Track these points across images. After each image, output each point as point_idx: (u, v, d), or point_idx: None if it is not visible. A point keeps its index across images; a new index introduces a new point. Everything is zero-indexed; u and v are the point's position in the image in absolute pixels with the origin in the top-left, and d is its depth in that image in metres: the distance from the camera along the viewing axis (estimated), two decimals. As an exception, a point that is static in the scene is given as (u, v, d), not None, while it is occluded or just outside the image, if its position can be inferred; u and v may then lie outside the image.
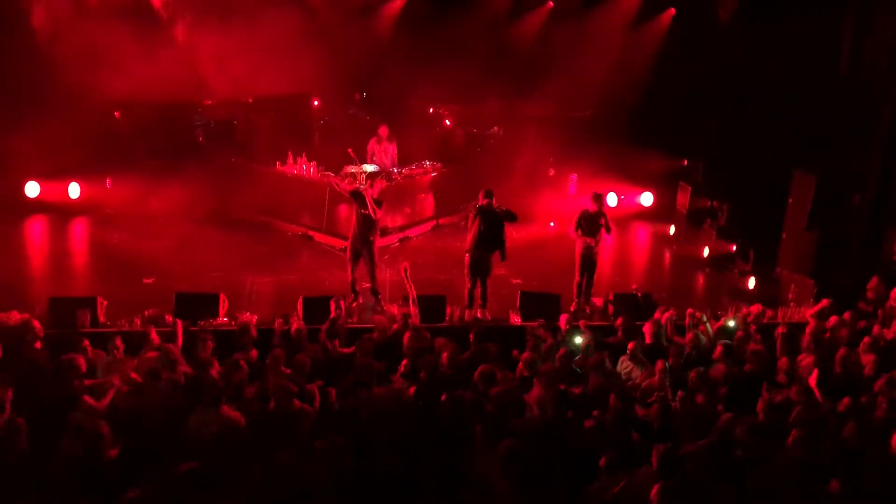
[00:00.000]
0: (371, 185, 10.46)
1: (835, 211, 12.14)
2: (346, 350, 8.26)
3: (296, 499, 5.25)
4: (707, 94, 15.06)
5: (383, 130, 14.03)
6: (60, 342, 8.11)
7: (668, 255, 14.26)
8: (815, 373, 7.59)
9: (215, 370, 7.14)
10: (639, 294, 10.34)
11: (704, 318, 8.99)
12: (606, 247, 11.77)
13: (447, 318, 9.88)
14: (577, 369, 7.86)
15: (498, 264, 10.39)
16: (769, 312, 10.21)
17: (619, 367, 8.16)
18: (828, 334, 8.88)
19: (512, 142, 16.21)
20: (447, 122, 17.28)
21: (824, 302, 9.60)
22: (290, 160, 14.06)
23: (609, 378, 7.59)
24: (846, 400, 6.95)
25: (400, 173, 14.00)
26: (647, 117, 15.23)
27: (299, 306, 9.55)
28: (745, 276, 12.37)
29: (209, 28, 14.29)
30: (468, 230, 10.14)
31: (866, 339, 8.46)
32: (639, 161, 15.53)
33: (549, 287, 10.70)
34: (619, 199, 15.66)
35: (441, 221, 14.32)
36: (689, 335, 8.63)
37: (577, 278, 10.74)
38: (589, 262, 10.67)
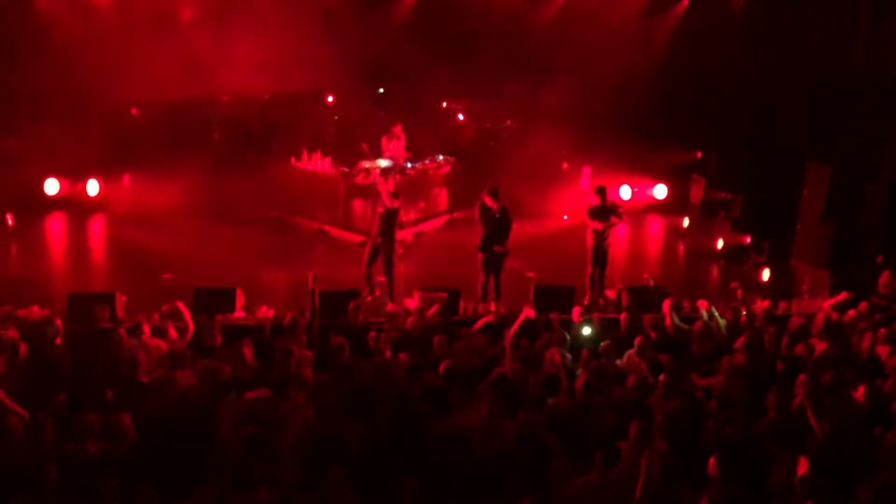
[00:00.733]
0: (386, 181, 10.55)
1: (850, 203, 12.10)
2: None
3: None
4: (721, 86, 15.00)
5: (396, 128, 14.13)
6: (81, 338, 8.29)
7: (681, 248, 14.25)
8: None
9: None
10: (651, 284, 10.31)
11: (714, 311, 8.98)
12: (620, 239, 11.81)
13: (461, 312, 9.94)
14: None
15: (511, 258, 10.46)
16: (783, 304, 10.20)
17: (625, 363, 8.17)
18: (844, 326, 8.86)
19: (525, 136, 16.23)
20: (460, 117, 17.31)
21: (843, 295, 9.57)
22: (305, 156, 14.18)
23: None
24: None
25: (413, 168, 14.06)
26: (661, 109, 15.18)
27: (316, 301, 9.62)
28: (760, 268, 12.35)
29: (224, 25, 14.40)
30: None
31: (882, 331, 8.45)
32: (652, 153, 15.49)
33: (562, 280, 10.73)
34: (632, 192, 15.64)
35: (455, 215, 14.37)
36: (698, 325, 8.64)
37: (589, 270, 10.78)
38: (601, 255, 10.72)
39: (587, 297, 10.61)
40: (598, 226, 10.55)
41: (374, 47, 14.90)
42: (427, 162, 14.49)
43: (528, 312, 8.27)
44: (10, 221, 12.83)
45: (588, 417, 6.34)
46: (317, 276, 8.91)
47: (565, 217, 14.57)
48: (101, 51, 13.18)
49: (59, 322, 8.07)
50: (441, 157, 14.79)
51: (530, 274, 11.61)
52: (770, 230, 12.83)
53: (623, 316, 9.10)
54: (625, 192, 15.37)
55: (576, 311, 9.09)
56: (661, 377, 7.15)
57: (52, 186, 13.95)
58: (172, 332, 7.98)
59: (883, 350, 8.08)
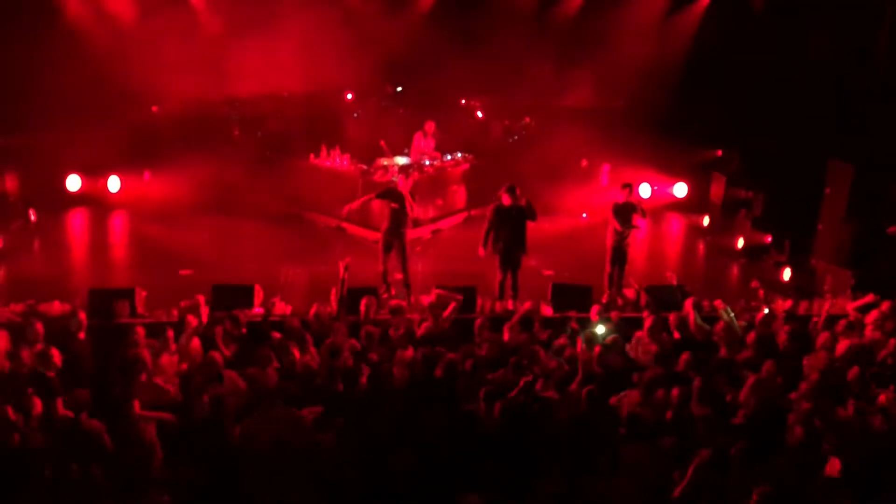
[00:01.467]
0: (406, 178, 10.56)
1: (873, 201, 11.94)
2: None
3: None
4: (742, 83, 14.86)
5: (429, 126, 14.12)
6: (102, 332, 8.38)
7: (701, 247, 14.15)
8: None
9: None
10: (674, 282, 10.21)
11: (730, 312, 8.91)
12: (639, 238, 11.73)
13: (478, 310, 9.92)
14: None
15: (529, 256, 10.44)
16: (804, 304, 10.08)
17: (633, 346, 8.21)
18: (870, 326, 8.75)
19: (544, 133, 16.17)
20: (479, 114, 17.27)
21: (869, 297, 9.45)
22: (324, 153, 14.21)
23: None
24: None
25: (432, 165, 14.06)
26: (681, 106, 15.06)
27: (332, 297, 9.65)
28: (780, 267, 12.23)
29: (244, 22, 14.46)
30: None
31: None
32: (672, 151, 15.37)
33: (580, 278, 10.69)
34: (652, 190, 15.53)
35: (473, 213, 14.34)
36: (720, 325, 8.58)
37: (608, 269, 10.74)
38: (620, 253, 10.67)
39: (605, 295, 10.56)
40: (618, 226, 10.50)
41: (393, 44, 14.89)
42: (446, 159, 14.47)
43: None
44: (32, 217, 12.96)
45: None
46: (349, 265, 8.94)
47: (584, 215, 14.51)
48: (122, 49, 13.29)
49: (82, 316, 8.15)
50: (459, 155, 14.76)
51: (548, 272, 11.58)
52: (791, 229, 12.70)
53: (645, 314, 9.05)
54: (644, 190, 15.26)
55: (594, 310, 9.06)
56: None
57: (73, 183, 14.08)
58: (192, 320, 8.04)
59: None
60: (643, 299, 10.26)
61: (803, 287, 11.22)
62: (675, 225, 15.21)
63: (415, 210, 10.48)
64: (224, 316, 8.36)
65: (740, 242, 13.39)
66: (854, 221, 11.80)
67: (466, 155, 14.86)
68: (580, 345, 7.71)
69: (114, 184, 14.27)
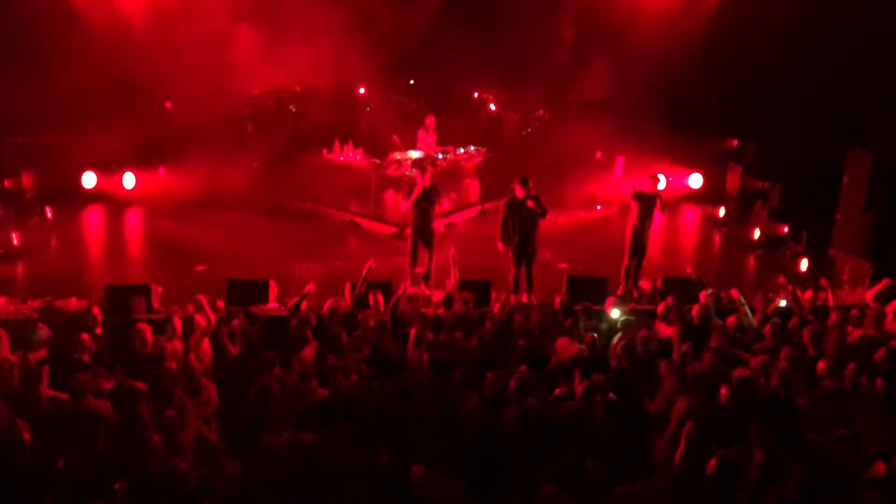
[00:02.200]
0: (423, 175, 10.54)
1: (892, 190, 11.80)
2: None
3: None
4: (758, 73, 14.71)
5: (430, 121, 14.10)
6: (119, 328, 8.41)
7: (717, 238, 14.05)
8: None
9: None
10: (693, 277, 10.12)
11: (742, 300, 8.82)
12: (655, 230, 11.65)
13: (493, 303, 9.88)
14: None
15: (544, 249, 10.39)
16: (821, 295, 9.97)
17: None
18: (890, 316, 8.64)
19: (558, 125, 16.10)
20: (492, 107, 17.22)
21: (884, 282, 9.34)
22: (337, 147, 14.22)
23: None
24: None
25: (445, 159, 14.03)
26: (697, 97, 14.95)
27: (346, 292, 9.66)
28: (798, 258, 12.12)
29: (257, 18, 14.49)
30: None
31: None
32: (687, 142, 15.26)
33: (594, 271, 10.63)
34: (667, 181, 15.40)
35: (486, 206, 14.30)
36: (733, 317, 8.51)
37: (626, 262, 10.68)
38: (639, 246, 10.62)
39: (621, 287, 10.51)
40: (636, 219, 10.46)
41: (406, 37, 14.88)
42: (459, 153, 14.43)
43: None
44: (49, 214, 13.06)
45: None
46: (372, 267, 8.96)
47: (598, 207, 14.43)
48: (136, 47, 13.35)
49: (97, 311, 8.19)
50: (473, 148, 14.72)
51: (562, 265, 11.53)
52: (808, 219, 12.57)
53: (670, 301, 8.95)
54: (660, 182, 15.14)
55: (609, 302, 9.01)
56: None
57: (89, 180, 14.17)
58: (201, 321, 8.02)
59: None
60: (659, 290, 10.21)
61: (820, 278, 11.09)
62: (691, 216, 15.12)
63: (444, 205, 10.47)
64: (238, 311, 8.37)
65: (757, 233, 13.28)
66: (873, 211, 11.66)
67: (480, 148, 14.82)
68: (590, 336, 7.70)
69: (129, 180, 14.35)
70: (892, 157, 11.76)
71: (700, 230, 14.71)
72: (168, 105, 15.33)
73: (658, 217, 10.61)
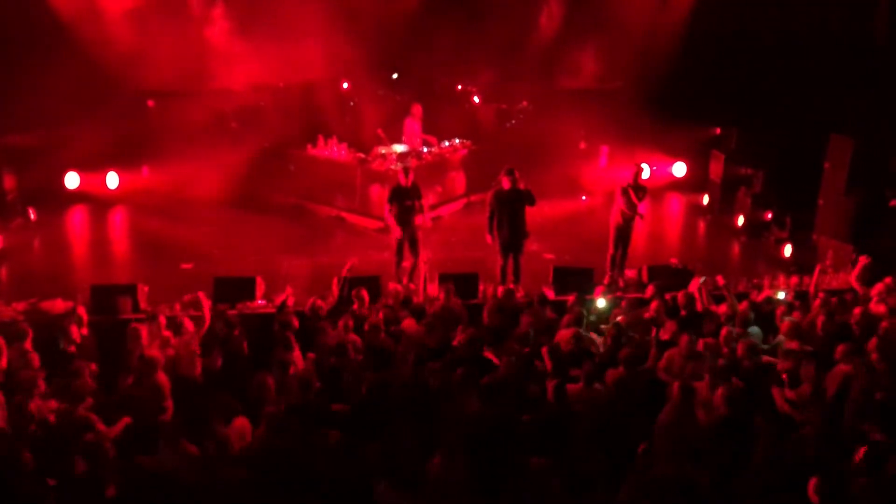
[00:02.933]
0: (406, 176, 10.54)
1: (873, 175, 11.91)
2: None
3: None
4: (740, 60, 14.78)
5: (416, 109, 14.09)
6: (105, 328, 8.39)
7: (702, 225, 14.13)
8: None
9: None
10: (679, 266, 10.19)
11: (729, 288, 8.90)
12: (640, 219, 11.71)
13: (480, 296, 9.93)
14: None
15: (530, 240, 10.43)
16: (805, 279, 10.08)
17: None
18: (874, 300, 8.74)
19: (541, 116, 16.12)
20: (475, 99, 17.20)
21: (863, 260, 9.45)
22: (322, 143, 14.17)
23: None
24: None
25: (429, 152, 14.03)
26: (678, 86, 14.99)
27: (334, 287, 9.66)
28: (782, 243, 12.22)
29: (237, 13, 14.40)
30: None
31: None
32: (670, 131, 15.32)
33: (581, 261, 10.69)
34: (651, 170, 15.47)
35: (472, 199, 14.32)
36: (725, 305, 8.58)
37: (611, 251, 10.73)
38: (624, 235, 10.68)
39: (607, 277, 10.57)
40: (625, 208, 10.51)
41: (388, 31, 14.83)
42: (443, 146, 14.43)
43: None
44: (32, 216, 12.97)
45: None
46: (353, 266, 8.93)
47: (583, 197, 14.48)
48: (116, 44, 13.23)
49: (82, 312, 8.17)
50: (457, 141, 14.72)
51: (549, 256, 11.58)
52: (792, 205, 12.67)
53: (649, 291, 9.03)
54: (644, 171, 15.19)
55: (598, 291, 9.07)
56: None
57: (72, 180, 14.07)
58: (189, 325, 8.00)
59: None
60: (645, 279, 10.28)
61: (804, 263, 11.22)
62: (675, 204, 15.20)
63: (425, 204, 10.53)
64: (225, 308, 8.38)
65: (741, 220, 13.37)
66: (855, 196, 11.76)
67: (464, 141, 14.81)
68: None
69: (112, 180, 14.26)
70: (873, 142, 11.86)
71: (685, 218, 14.80)
72: (150, 103, 15.21)
73: (642, 209, 10.65)
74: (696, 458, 5.74)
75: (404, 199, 10.43)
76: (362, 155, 13.70)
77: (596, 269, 10.40)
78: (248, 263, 10.83)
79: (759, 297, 8.92)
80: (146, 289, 9.56)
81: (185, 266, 11.20)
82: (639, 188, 10.59)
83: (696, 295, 8.71)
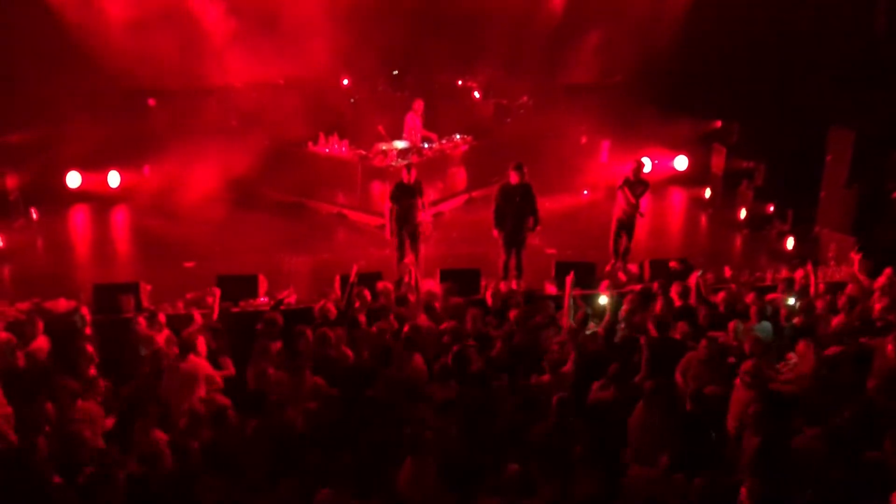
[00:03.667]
0: (409, 173, 10.53)
1: (874, 166, 11.89)
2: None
3: None
4: (740, 53, 14.74)
5: (418, 104, 14.08)
6: (108, 327, 8.41)
7: (704, 219, 14.12)
8: None
9: None
10: (680, 267, 10.16)
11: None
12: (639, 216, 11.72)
13: (482, 291, 9.92)
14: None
15: (532, 235, 10.43)
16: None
17: None
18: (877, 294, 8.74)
19: (542, 111, 16.10)
20: (476, 95, 17.19)
21: (854, 256, 9.50)
22: (322, 140, 14.17)
23: None
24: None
25: (430, 148, 14.02)
26: (679, 79, 14.97)
27: (336, 284, 9.68)
28: (784, 236, 12.20)
29: (238, 10, 14.39)
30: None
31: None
32: (672, 124, 15.31)
33: (583, 255, 10.68)
34: (653, 164, 15.46)
35: (474, 195, 14.32)
36: (722, 294, 8.59)
37: (612, 240, 10.78)
38: (626, 228, 10.73)
39: (609, 265, 10.60)
40: (632, 198, 10.55)
41: (388, 27, 14.80)
42: (444, 141, 14.42)
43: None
44: (34, 215, 12.98)
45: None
46: (360, 271, 8.91)
47: (585, 192, 14.47)
48: (117, 43, 13.22)
49: (85, 311, 8.19)
50: (458, 136, 14.71)
51: (551, 250, 11.57)
52: (794, 197, 12.66)
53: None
54: (645, 165, 15.18)
55: (603, 285, 9.05)
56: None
57: (73, 179, 14.06)
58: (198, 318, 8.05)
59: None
60: (647, 273, 10.28)
61: (806, 255, 11.20)
62: (677, 198, 15.18)
63: (426, 208, 10.52)
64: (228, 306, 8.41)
65: (743, 213, 13.35)
66: (856, 188, 11.75)
67: (465, 136, 14.80)
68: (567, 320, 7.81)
69: (114, 179, 14.25)
70: (874, 133, 11.84)
71: (686, 212, 14.78)
72: (151, 102, 15.21)
73: (642, 204, 10.67)
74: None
75: (407, 197, 10.43)
76: (363, 152, 13.70)
77: (598, 263, 10.41)
78: (250, 261, 10.83)
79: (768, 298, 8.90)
80: (148, 287, 9.57)
81: (187, 264, 11.21)
82: (638, 183, 10.61)
83: (693, 288, 8.71)
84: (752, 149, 14.51)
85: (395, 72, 17.14)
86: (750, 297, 8.45)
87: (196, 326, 7.98)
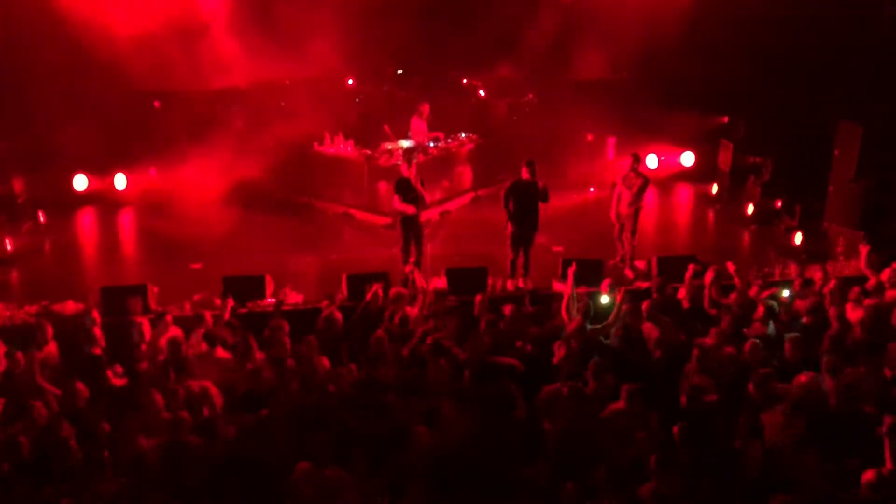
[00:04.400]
0: (409, 167, 10.53)
1: (882, 161, 11.84)
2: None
3: None
4: (747, 49, 14.67)
5: (424, 108, 14.08)
6: (116, 329, 8.44)
7: (711, 215, 14.07)
8: None
9: None
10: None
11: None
12: (649, 209, 11.71)
13: (489, 289, 9.92)
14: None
15: (539, 233, 10.42)
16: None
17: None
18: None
19: (548, 109, 16.07)
20: (481, 93, 17.17)
21: (863, 248, 9.47)
22: (328, 140, 14.18)
23: None
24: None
25: (436, 147, 14.01)
26: (685, 75, 14.92)
27: (343, 285, 9.68)
28: (792, 231, 12.16)
29: (243, 11, 14.41)
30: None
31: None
32: (678, 121, 15.26)
33: (590, 253, 10.66)
34: (659, 160, 15.42)
35: (480, 193, 14.31)
36: (734, 295, 8.53)
37: (616, 232, 10.80)
38: (627, 223, 10.74)
39: (617, 256, 10.60)
40: (627, 197, 10.59)
41: (392, 26, 14.80)
42: (450, 140, 14.41)
43: None
44: (41, 219, 13.02)
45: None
46: (378, 292, 8.85)
47: (591, 189, 14.45)
48: (122, 45, 13.24)
49: (95, 314, 8.22)
50: (463, 135, 14.70)
51: (557, 248, 11.55)
52: (801, 193, 12.60)
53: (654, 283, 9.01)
54: (651, 161, 15.16)
55: (605, 283, 9.03)
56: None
57: (80, 182, 14.09)
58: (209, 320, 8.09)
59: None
60: (654, 271, 10.24)
61: (815, 251, 11.18)
62: (684, 194, 15.12)
63: (426, 197, 10.50)
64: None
65: (750, 209, 13.31)
66: (864, 182, 11.69)
67: (471, 135, 14.79)
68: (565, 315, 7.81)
69: (120, 181, 14.29)
70: (881, 128, 11.78)
71: (694, 208, 14.73)
72: (156, 104, 15.24)
73: (639, 199, 10.69)
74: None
75: (408, 192, 10.42)
76: (369, 151, 13.71)
77: (605, 260, 10.40)
78: (257, 261, 10.84)
79: (765, 294, 8.84)
80: (156, 289, 9.59)
81: (194, 266, 11.23)
82: (635, 178, 10.58)
83: (707, 290, 8.64)
84: (759, 144, 14.46)
85: (400, 71, 17.14)
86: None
87: (208, 326, 8.00)
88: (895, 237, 10.34)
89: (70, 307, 9.05)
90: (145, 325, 8.02)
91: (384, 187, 13.33)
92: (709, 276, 8.79)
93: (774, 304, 8.20)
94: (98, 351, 7.56)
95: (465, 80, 17.36)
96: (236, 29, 14.29)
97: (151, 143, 14.30)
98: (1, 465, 5.63)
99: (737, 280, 8.92)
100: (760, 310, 8.04)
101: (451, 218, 13.51)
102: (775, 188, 13.30)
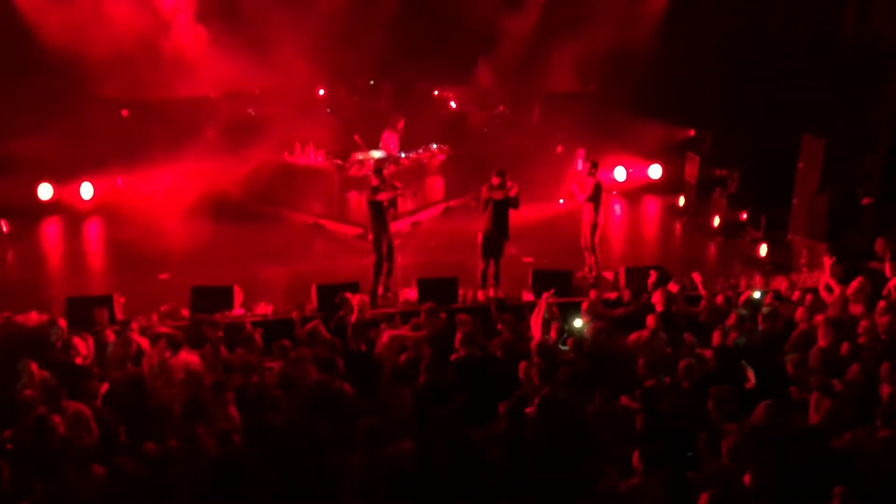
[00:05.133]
0: (378, 176, 10.48)
1: (846, 173, 12.08)
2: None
3: None
4: (712, 63, 14.93)
5: (399, 123, 14.10)
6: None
7: (678, 226, 14.24)
8: None
9: None
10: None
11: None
12: (617, 220, 11.81)
13: (460, 300, 9.94)
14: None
15: (509, 244, 10.46)
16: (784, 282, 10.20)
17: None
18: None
19: (519, 121, 16.18)
20: (452, 105, 17.24)
21: (827, 261, 9.63)
22: (298, 150, 14.13)
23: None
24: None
25: (407, 157, 14.03)
26: (652, 88, 15.12)
27: (313, 295, 9.64)
28: (757, 243, 12.34)
29: (212, 19, 14.32)
30: (482, 215, 10.21)
31: (881, 304, 8.46)
32: (646, 133, 15.44)
33: (559, 264, 10.74)
34: (627, 173, 15.59)
35: (451, 204, 14.35)
36: (703, 303, 8.64)
37: (583, 243, 10.90)
38: (586, 231, 10.90)
39: (586, 267, 10.70)
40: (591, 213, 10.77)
41: (365, 37, 14.82)
42: (421, 151, 14.44)
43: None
44: (4, 228, 12.80)
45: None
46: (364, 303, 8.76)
47: (561, 201, 14.54)
48: (89, 53, 13.09)
49: (63, 324, 8.09)
50: (435, 146, 14.74)
51: (528, 259, 11.61)
52: (767, 205, 12.81)
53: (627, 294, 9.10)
54: (619, 174, 15.32)
55: (584, 307, 8.97)
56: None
57: (45, 191, 13.87)
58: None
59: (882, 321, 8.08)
60: (622, 282, 10.34)
61: (779, 262, 11.35)
62: (652, 206, 15.30)
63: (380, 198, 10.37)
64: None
65: (717, 221, 13.49)
66: (828, 194, 11.92)
67: (442, 146, 14.83)
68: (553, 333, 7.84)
69: (87, 191, 14.09)
70: (844, 142, 12.03)
71: (661, 219, 14.90)
72: (124, 113, 15.07)
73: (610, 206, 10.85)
74: None
75: (382, 213, 10.37)
76: (339, 161, 13.68)
77: (575, 271, 10.48)
78: (225, 272, 10.75)
79: (740, 301, 8.97)
80: (122, 300, 9.48)
81: (162, 276, 11.11)
82: (587, 178, 10.74)
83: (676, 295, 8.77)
84: (725, 157, 14.66)
85: (372, 81, 17.15)
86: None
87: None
88: (858, 248, 10.52)
89: (33, 318, 8.88)
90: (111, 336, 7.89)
91: (355, 197, 13.32)
92: (674, 287, 8.91)
93: (746, 312, 8.30)
94: (80, 360, 7.42)
95: (436, 92, 17.42)
96: (205, 37, 14.19)
97: (118, 151, 14.14)
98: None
99: (702, 290, 9.03)
100: (732, 317, 8.14)
101: (422, 229, 13.52)
102: (741, 200, 13.49)
